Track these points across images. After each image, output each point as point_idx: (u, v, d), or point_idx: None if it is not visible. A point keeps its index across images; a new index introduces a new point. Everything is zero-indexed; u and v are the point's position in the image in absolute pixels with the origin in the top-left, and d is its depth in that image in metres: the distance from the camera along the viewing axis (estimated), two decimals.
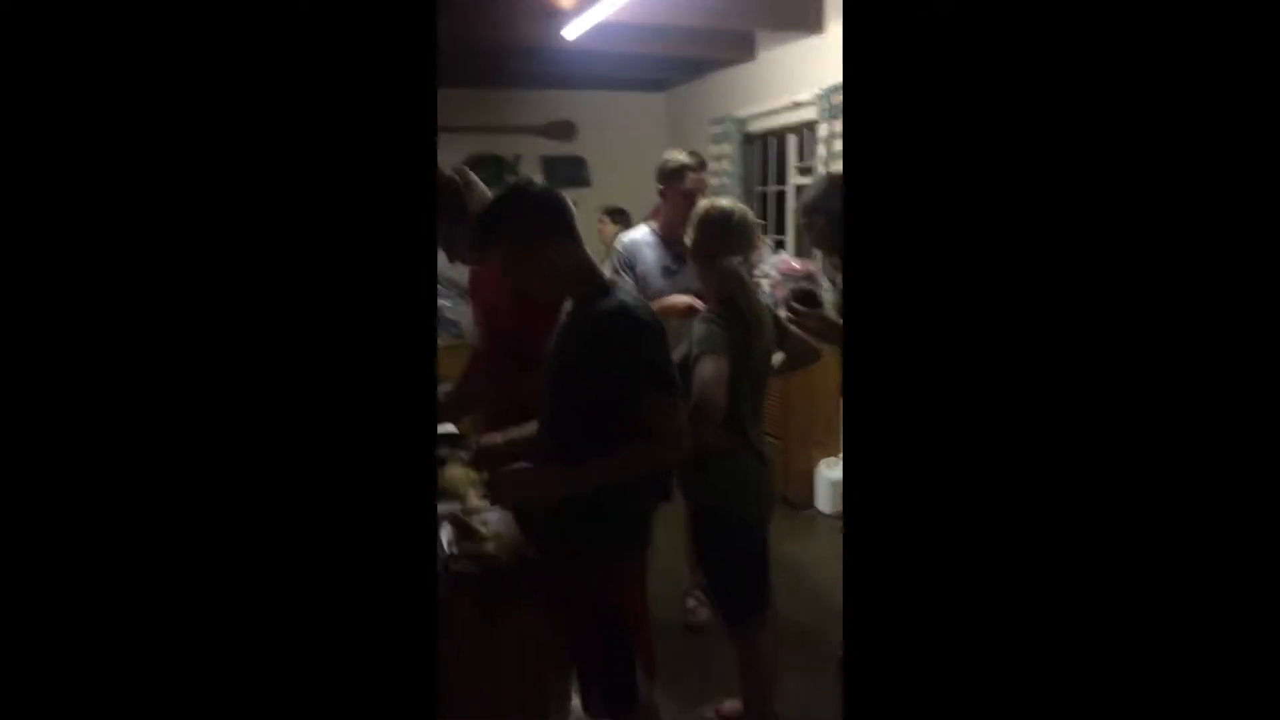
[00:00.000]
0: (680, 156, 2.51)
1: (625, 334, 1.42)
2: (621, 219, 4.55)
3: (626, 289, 1.51)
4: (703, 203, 1.93)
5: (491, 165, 5.22)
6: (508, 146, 5.25)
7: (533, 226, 1.48)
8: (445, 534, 1.51)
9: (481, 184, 1.89)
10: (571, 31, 3.49)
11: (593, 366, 1.44)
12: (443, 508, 1.62)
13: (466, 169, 1.94)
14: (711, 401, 1.53)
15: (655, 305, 2.39)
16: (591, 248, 1.54)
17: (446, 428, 2.13)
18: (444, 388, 2.18)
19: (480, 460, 1.66)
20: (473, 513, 1.58)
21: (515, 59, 4.30)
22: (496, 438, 1.68)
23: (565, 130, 5.42)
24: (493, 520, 1.58)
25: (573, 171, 5.38)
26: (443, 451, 1.87)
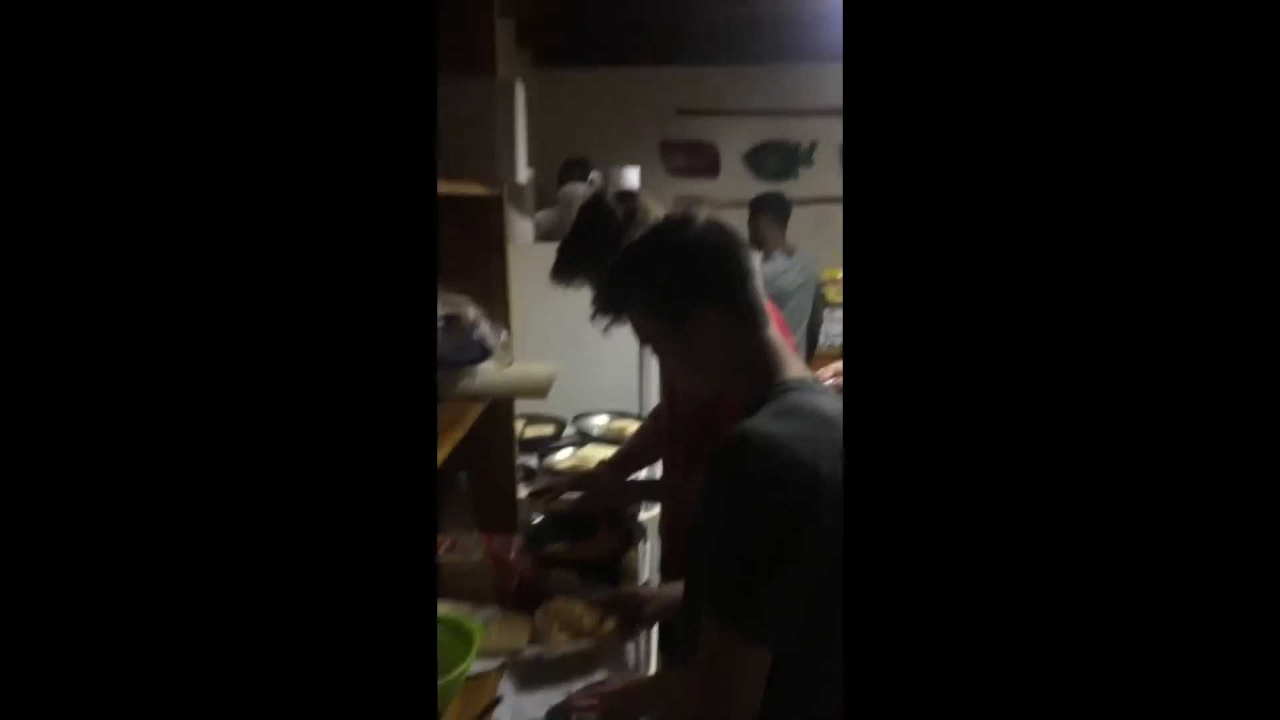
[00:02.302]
0: None
1: (721, 480, 0.84)
2: None
3: (810, 406, 0.88)
4: None
5: (781, 155, 4.64)
6: (805, 131, 4.60)
7: (676, 288, 0.92)
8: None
9: (661, 213, 1.33)
10: None
11: (699, 522, 0.88)
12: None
13: (641, 194, 1.39)
14: None
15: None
16: None
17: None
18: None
19: (619, 608, 1.15)
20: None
21: (805, 29, 3.66)
22: (650, 591, 1.17)
23: None
24: None
25: None
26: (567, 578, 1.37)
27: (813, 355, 3.71)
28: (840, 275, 4.32)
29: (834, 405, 0.92)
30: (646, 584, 1.53)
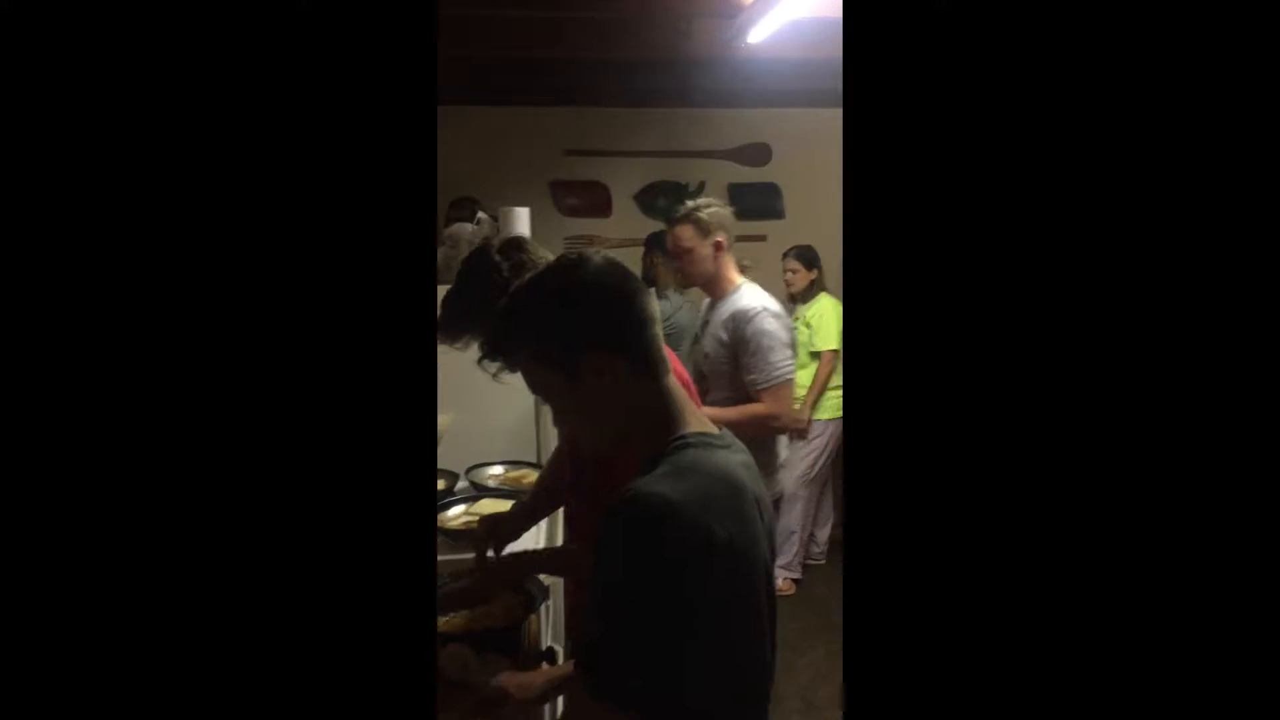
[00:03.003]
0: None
1: (611, 544, 0.78)
2: (810, 262, 3.81)
3: (709, 464, 0.83)
4: None
5: (670, 194, 4.68)
6: (692, 172, 4.67)
7: (568, 335, 0.86)
8: None
9: (549, 259, 1.27)
10: (757, 35, 2.87)
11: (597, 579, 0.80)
12: None
13: (531, 244, 1.32)
14: None
15: None
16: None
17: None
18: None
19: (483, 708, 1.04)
20: None
21: (697, 73, 3.73)
22: (535, 681, 1.06)
23: (759, 154, 4.75)
24: None
25: (764, 201, 4.69)
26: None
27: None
28: None
29: (735, 461, 0.87)
30: (549, 649, 1.43)
